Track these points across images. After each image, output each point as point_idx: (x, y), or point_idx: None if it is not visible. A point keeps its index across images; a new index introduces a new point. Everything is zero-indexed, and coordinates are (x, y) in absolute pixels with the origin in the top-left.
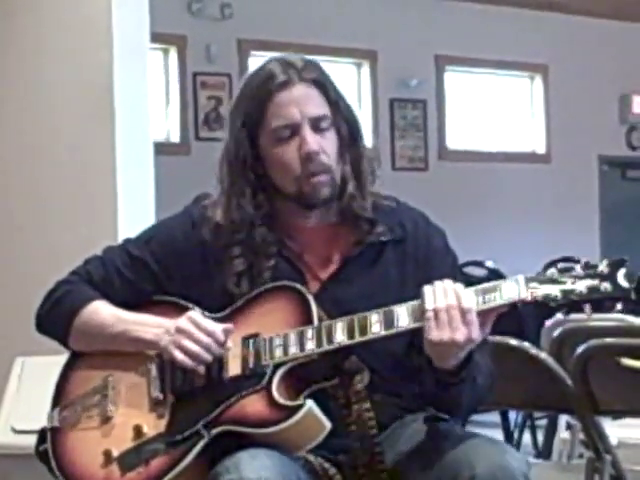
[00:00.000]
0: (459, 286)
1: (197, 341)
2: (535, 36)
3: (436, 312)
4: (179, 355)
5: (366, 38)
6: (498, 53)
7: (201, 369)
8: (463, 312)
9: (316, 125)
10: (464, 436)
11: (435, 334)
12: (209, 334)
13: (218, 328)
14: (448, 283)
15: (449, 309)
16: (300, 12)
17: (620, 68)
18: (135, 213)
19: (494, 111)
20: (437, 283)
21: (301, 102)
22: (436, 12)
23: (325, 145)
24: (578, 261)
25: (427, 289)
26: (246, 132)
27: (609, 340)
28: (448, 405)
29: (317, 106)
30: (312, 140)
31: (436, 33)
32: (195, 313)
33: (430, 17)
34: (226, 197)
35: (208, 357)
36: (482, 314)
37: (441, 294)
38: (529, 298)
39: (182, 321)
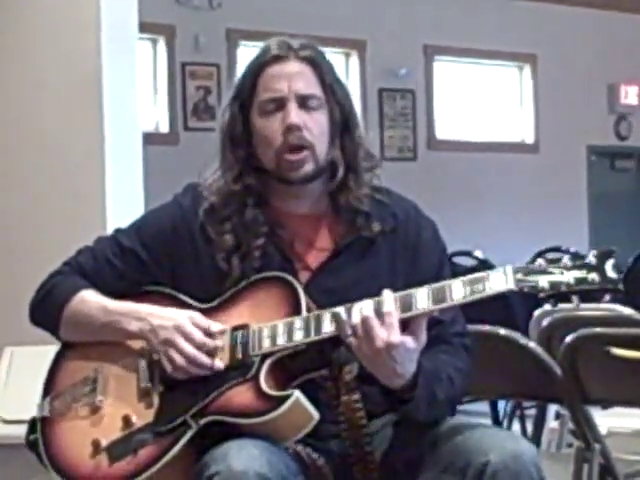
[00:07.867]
0: (386, 293)
1: (185, 354)
2: (524, 26)
3: (354, 328)
4: (169, 367)
5: (355, 28)
6: (487, 43)
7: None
8: (380, 316)
9: (304, 103)
10: (474, 425)
11: (357, 348)
12: (198, 346)
13: (208, 340)
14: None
15: (366, 320)
16: (289, 2)
17: (608, 58)
18: (124, 203)
19: (483, 101)
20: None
21: (291, 78)
22: (424, 2)
23: (310, 123)
24: (566, 251)
25: (341, 311)
26: (238, 106)
27: (598, 329)
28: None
29: (308, 85)
30: (295, 114)
31: (424, 23)
32: (184, 319)
33: (418, 7)
34: (219, 172)
35: (197, 370)
36: (411, 321)
37: (356, 311)
38: (517, 289)
39: (170, 331)
